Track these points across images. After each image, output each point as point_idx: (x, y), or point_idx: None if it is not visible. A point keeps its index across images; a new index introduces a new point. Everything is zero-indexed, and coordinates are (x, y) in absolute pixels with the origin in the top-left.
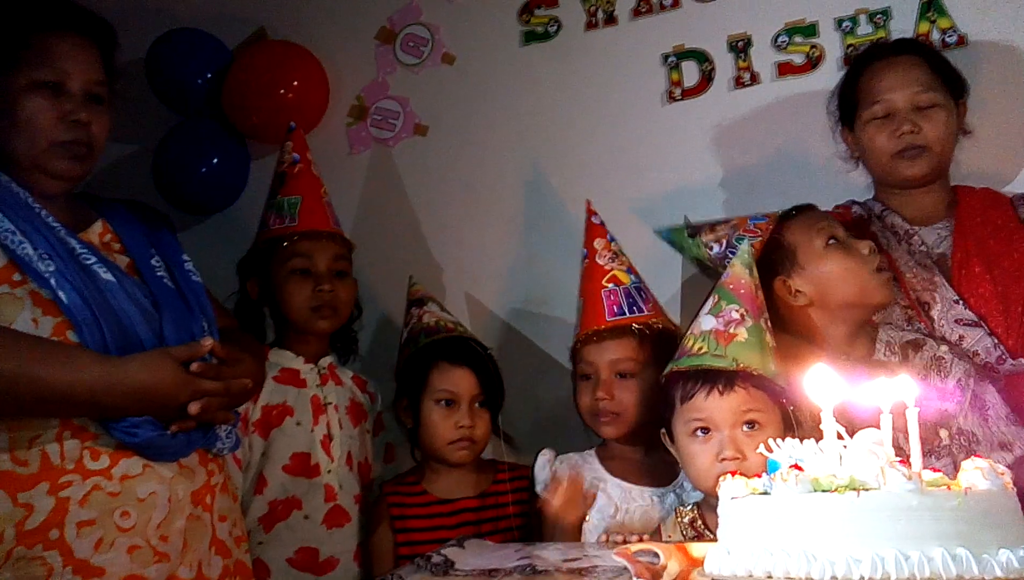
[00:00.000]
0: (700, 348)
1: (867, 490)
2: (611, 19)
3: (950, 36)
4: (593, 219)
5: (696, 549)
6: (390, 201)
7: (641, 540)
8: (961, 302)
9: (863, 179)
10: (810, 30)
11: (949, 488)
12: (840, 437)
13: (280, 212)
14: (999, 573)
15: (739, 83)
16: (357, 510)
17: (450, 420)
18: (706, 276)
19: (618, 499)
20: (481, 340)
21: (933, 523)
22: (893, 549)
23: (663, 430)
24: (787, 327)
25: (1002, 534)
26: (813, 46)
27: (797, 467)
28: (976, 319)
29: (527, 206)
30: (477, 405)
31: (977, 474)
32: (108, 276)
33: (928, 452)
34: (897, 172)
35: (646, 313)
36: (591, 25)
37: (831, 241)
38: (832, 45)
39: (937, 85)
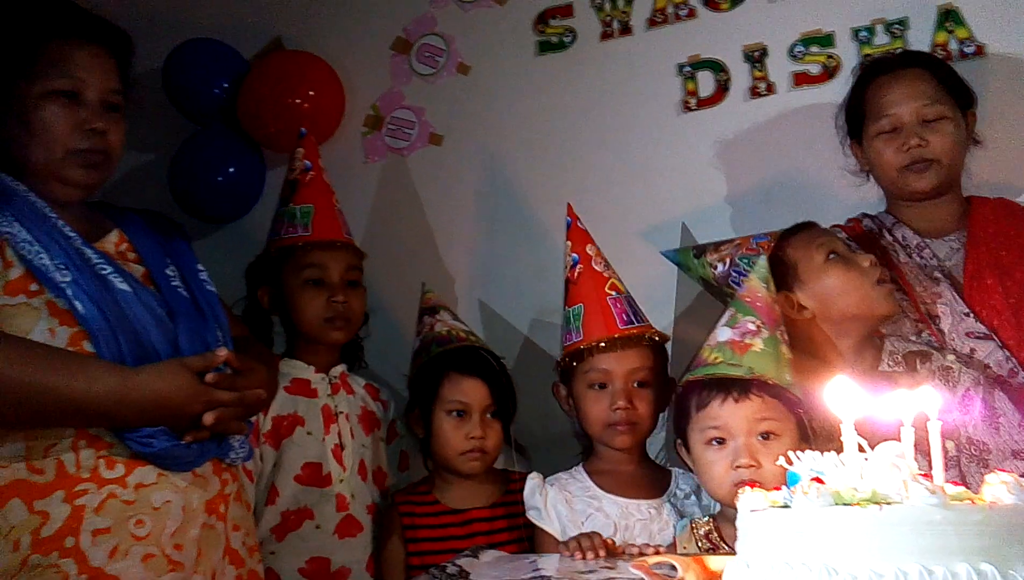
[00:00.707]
0: (716, 358)
1: (889, 504)
2: (626, 29)
3: (968, 46)
4: (578, 224)
5: (714, 562)
6: (405, 210)
7: (658, 552)
8: (972, 315)
9: (878, 190)
10: (826, 40)
11: (973, 502)
12: (861, 450)
13: (293, 220)
14: None
15: (755, 93)
16: (369, 520)
17: (461, 431)
18: (711, 295)
19: (616, 516)
20: (493, 350)
21: (957, 538)
22: (917, 564)
23: (677, 440)
24: (794, 343)
25: None
26: (830, 56)
27: (818, 480)
28: (987, 332)
29: (540, 216)
30: (489, 415)
31: (1002, 488)
32: (124, 286)
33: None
34: (906, 186)
35: (648, 323)
36: (606, 35)
37: (831, 256)
38: (849, 55)
39: (944, 97)
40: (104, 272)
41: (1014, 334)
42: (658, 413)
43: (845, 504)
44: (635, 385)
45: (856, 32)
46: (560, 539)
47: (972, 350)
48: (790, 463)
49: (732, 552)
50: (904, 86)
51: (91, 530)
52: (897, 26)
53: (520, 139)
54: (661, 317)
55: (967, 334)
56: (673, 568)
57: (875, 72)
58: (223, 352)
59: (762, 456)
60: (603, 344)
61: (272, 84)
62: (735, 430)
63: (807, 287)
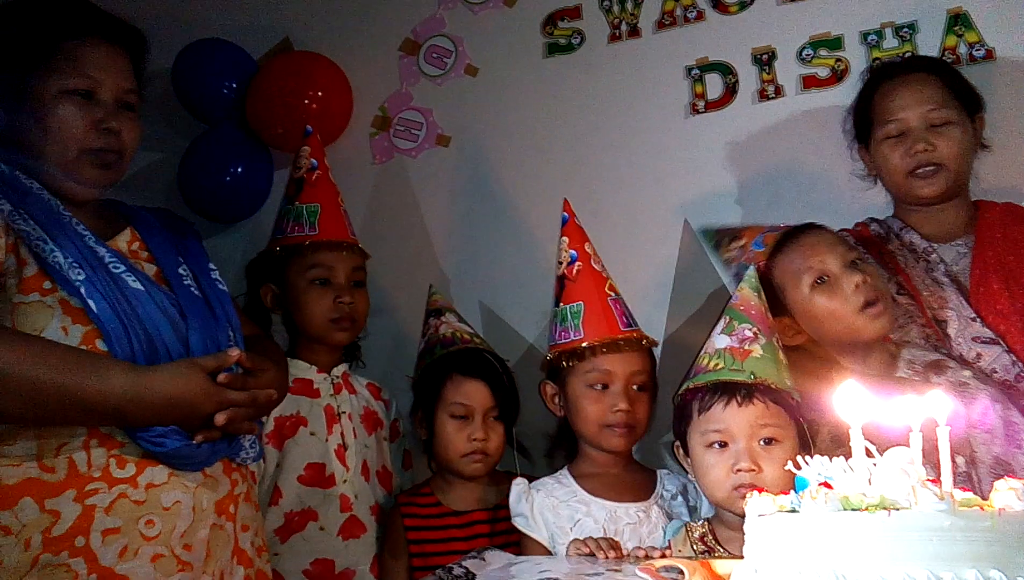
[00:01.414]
0: (716, 365)
1: (898, 509)
2: (635, 31)
3: (977, 50)
4: (575, 220)
5: (721, 566)
6: (412, 211)
7: (664, 556)
8: (979, 320)
9: (886, 194)
10: (835, 43)
11: (982, 508)
12: (869, 455)
13: (299, 219)
14: None
15: (763, 96)
16: (373, 520)
17: (463, 433)
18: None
19: (605, 521)
20: (497, 353)
21: (966, 544)
22: (925, 570)
23: (675, 442)
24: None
25: None
26: (838, 59)
27: (826, 485)
28: (994, 337)
29: (547, 218)
30: (491, 418)
31: (1011, 495)
32: (136, 285)
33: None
34: (913, 191)
35: (639, 327)
36: (614, 37)
37: (818, 281)
38: (857, 58)
39: (951, 102)
40: (117, 270)
41: (1021, 339)
42: (651, 418)
43: (853, 509)
44: (635, 388)
45: (865, 36)
46: (548, 547)
47: (979, 355)
48: (798, 467)
49: (728, 554)
50: (911, 91)
51: (101, 530)
52: (906, 30)
53: (527, 141)
54: (661, 318)
55: (974, 339)
56: (680, 572)
57: (883, 77)
58: (235, 352)
59: (763, 461)
60: (606, 345)
61: (280, 84)
62: (737, 434)
63: (795, 314)
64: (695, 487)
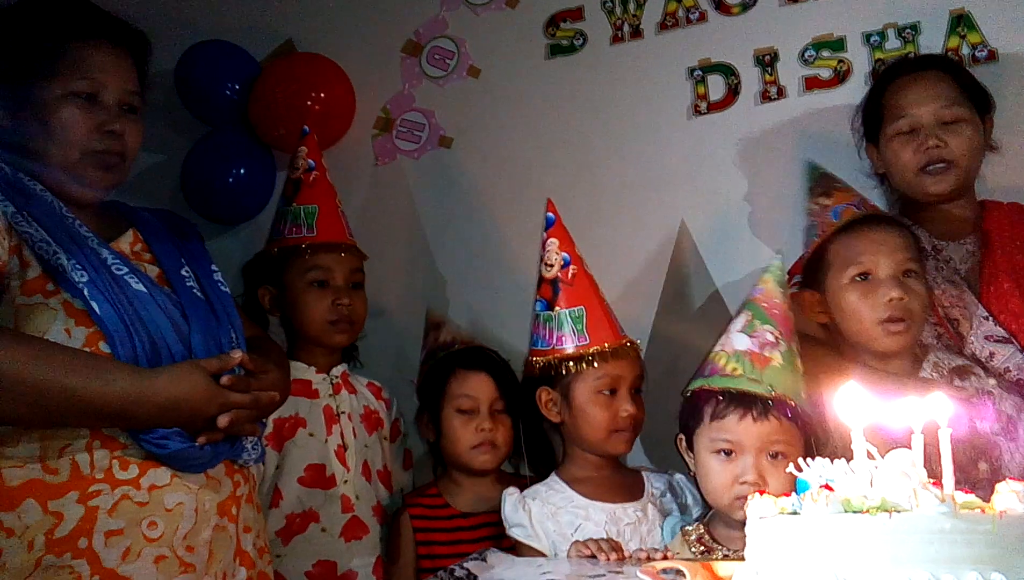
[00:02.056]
0: (735, 369)
1: (899, 511)
2: (637, 32)
3: (980, 51)
4: (562, 221)
5: (722, 568)
6: (414, 212)
7: (665, 557)
8: (991, 318)
9: (890, 195)
10: (838, 44)
11: (983, 511)
12: (871, 457)
13: (297, 220)
14: None
15: (765, 97)
16: (375, 521)
17: (471, 425)
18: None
19: (606, 523)
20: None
21: (967, 547)
22: (926, 572)
23: (680, 435)
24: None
25: None
26: (841, 60)
27: (828, 487)
28: (1007, 335)
29: None
30: (497, 411)
31: (1012, 497)
32: (139, 287)
33: (961, 481)
34: (922, 188)
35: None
36: (617, 39)
37: (859, 277)
38: (860, 60)
39: (963, 100)
40: (120, 272)
41: None
42: None
43: (855, 511)
44: (635, 391)
45: (867, 37)
46: (548, 556)
47: (992, 354)
48: (799, 470)
49: (728, 552)
50: (923, 87)
51: (104, 531)
52: (909, 31)
53: (530, 142)
54: (649, 317)
55: (987, 338)
56: (681, 573)
57: (894, 74)
58: (238, 354)
59: (769, 475)
60: (614, 350)
61: (283, 86)
62: (747, 447)
63: (827, 296)
64: (679, 484)
